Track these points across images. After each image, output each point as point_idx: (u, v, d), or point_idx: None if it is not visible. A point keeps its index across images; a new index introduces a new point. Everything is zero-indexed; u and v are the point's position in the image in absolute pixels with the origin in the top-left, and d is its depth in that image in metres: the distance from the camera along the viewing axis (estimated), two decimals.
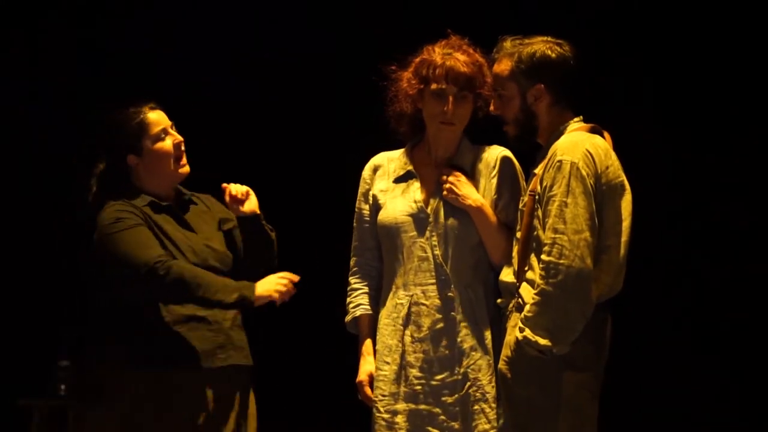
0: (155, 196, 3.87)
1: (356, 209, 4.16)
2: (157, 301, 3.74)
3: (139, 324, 3.74)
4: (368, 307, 4.09)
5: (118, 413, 3.70)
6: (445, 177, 4.00)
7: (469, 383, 3.93)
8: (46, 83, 6.68)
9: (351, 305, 4.13)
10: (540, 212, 3.79)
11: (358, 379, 4.08)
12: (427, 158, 4.09)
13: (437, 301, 3.97)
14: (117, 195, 3.83)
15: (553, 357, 3.72)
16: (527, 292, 3.78)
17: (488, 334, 3.95)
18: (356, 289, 4.13)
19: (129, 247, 3.67)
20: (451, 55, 3.99)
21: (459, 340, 3.94)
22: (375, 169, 4.15)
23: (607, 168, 3.81)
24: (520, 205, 3.92)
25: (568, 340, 3.72)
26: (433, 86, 3.98)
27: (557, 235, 3.70)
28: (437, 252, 3.98)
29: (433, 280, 3.97)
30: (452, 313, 3.95)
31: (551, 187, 3.75)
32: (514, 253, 3.90)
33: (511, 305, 3.87)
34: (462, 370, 3.93)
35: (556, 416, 3.77)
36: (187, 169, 3.92)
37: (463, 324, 3.95)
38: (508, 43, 3.92)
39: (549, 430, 3.76)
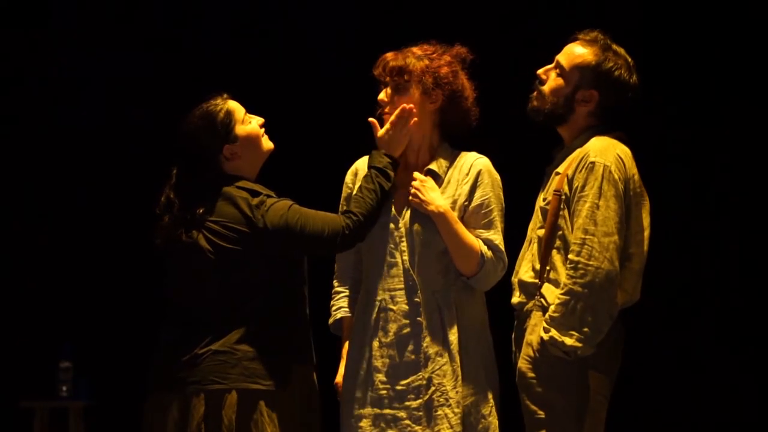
0: (250, 180, 3.96)
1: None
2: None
3: (289, 321, 3.87)
4: (348, 309, 4.11)
5: (293, 399, 3.82)
6: (412, 182, 4.00)
7: (433, 388, 3.91)
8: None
9: (333, 308, 4.16)
10: (566, 212, 3.82)
11: (336, 380, 4.12)
12: (407, 163, 4.08)
13: (404, 307, 3.95)
14: (213, 187, 3.88)
15: (576, 358, 3.74)
16: (550, 293, 3.81)
17: (454, 340, 3.93)
18: (339, 293, 4.16)
19: (315, 226, 3.83)
20: (401, 50, 4.03)
21: (424, 345, 3.92)
22: (356, 174, 4.14)
23: (634, 175, 3.86)
24: (542, 204, 3.93)
25: (594, 342, 3.74)
26: (379, 81, 4.04)
27: (587, 236, 3.73)
28: (405, 258, 3.97)
29: (402, 286, 3.96)
30: (418, 318, 3.94)
31: (582, 187, 3.79)
32: (534, 252, 3.91)
33: (530, 304, 3.88)
34: (427, 375, 3.91)
35: (576, 418, 3.80)
36: (272, 144, 4.01)
37: (429, 329, 3.93)
38: (601, 38, 3.94)
39: (566, 428, 3.79)
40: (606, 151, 3.83)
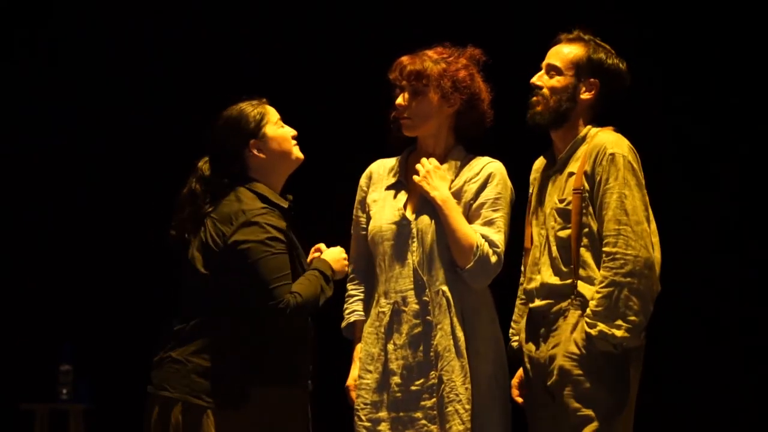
0: (274, 189, 3.90)
1: (353, 217, 4.16)
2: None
3: (264, 340, 3.75)
4: (362, 313, 4.10)
5: (253, 421, 3.72)
6: (422, 165, 3.99)
7: (443, 385, 3.91)
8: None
9: (346, 311, 4.15)
10: (590, 209, 3.86)
11: (346, 384, 4.10)
12: (418, 163, 4.07)
13: (415, 307, 3.96)
14: (230, 185, 3.83)
15: (622, 351, 3.78)
16: (587, 290, 3.83)
17: (462, 336, 3.93)
18: (352, 296, 4.14)
19: (268, 276, 3.69)
20: (416, 53, 4.01)
21: (434, 343, 3.93)
22: (370, 177, 4.15)
23: (641, 166, 3.93)
24: (560, 205, 3.94)
25: (640, 331, 3.80)
26: (395, 84, 4.02)
27: (621, 227, 3.79)
28: (415, 258, 3.97)
29: (411, 286, 3.97)
30: (428, 317, 3.94)
31: (607, 180, 3.84)
32: (556, 254, 3.92)
33: (565, 304, 3.88)
34: (437, 373, 3.92)
35: (619, 412, 3.84)
36: (301, 155, 3.94)
37: (438, 327, 3.94)
38: (583, 34, 4.01)
39: (613, 426, 3.81)
40: (620, 143, 3.90)
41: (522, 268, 4.15)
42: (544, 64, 4.02)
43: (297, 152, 3.93)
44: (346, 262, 3.92)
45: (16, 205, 6.77)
